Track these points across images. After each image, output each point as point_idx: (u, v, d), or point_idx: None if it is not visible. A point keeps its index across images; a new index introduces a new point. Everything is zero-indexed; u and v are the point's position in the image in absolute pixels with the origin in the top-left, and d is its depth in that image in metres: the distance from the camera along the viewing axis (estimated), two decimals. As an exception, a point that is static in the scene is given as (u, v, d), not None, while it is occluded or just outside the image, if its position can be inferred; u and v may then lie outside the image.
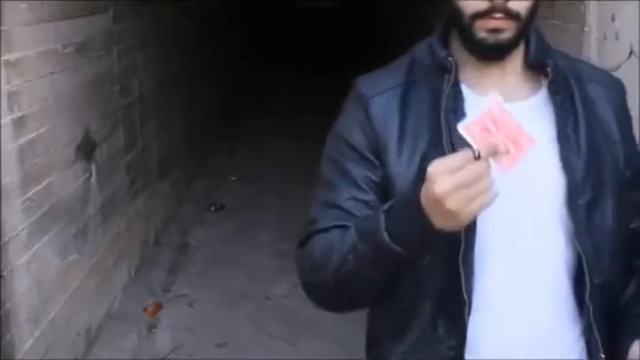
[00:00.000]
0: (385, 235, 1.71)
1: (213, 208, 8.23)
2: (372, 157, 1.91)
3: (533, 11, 1.84)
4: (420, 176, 1.70)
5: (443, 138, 1.83)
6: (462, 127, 1.64)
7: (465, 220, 1.63)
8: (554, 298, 1.93)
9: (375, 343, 2.08)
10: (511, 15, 1.79)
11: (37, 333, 4.22)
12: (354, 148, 1.93)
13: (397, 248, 1.71)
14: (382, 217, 1.74)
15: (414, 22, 11.17)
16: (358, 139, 1.93)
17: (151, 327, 5.65)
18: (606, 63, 3.86)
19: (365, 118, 1.93)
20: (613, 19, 3.77)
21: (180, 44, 8.40)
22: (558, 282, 1.92)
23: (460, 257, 1.83)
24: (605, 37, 3.88)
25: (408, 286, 1.89)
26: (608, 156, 1.93)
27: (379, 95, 1.95)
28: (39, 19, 4.37)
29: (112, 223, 5.67)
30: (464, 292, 1.85)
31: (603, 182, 1.91)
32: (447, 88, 1.86)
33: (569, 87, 1.93)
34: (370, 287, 1.86)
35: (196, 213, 8.04)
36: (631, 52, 3.57)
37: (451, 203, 1.59)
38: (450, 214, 1.61)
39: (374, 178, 1.90)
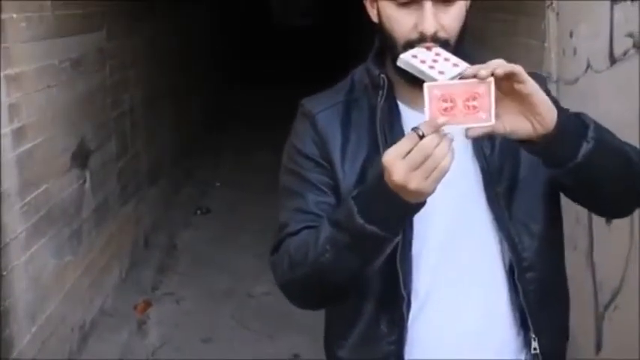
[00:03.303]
0: (359, 218, 1.69)
1: (199, 212, 8.19)
2: (325, 164, 1.93)
3: (461, 35, 1.84)
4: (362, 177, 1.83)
5: (380, 148, 1.83)
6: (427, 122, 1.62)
7: (429, 192, 1.62)
8: (489, 291, 1.93)
9: (328, 339, 2.11)
10: (440, 42, 1.78)
11: (34, 329, 4.20)
12: (309, 158, 1.95)
13: (373, 228, 1.69)
14: (352, 203, 1.72)
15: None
16: (311, 149, 1.95)
17: (141, 323, 5.62)
18: (565, 77, 3.88)
19: (313, 132, 1.96)
20: (571, 36, 3.79)
21: (169, 61, 8.39)
22: (492, 273, 1.93)
23: (398, 256, 1.85)
24: (564, 53, 3.90)
25: None
26: None
27: (323, 112, 1.98)
28: (37, 36, 4.36)
29: (104, 226, 5.65)
30: (402, 289, 1.87)
31: (520, 169, 1.90)
32: (380, 102, 1.89)
33: None
34: (348, 276, 1.82)
35: (183, 217, 8.01)
36: (588, 67, 3.59)
37: (412, 184, 1.59)
38: (414, 192, 1.61)
39: (330, 181, 1.92)
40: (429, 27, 1.77)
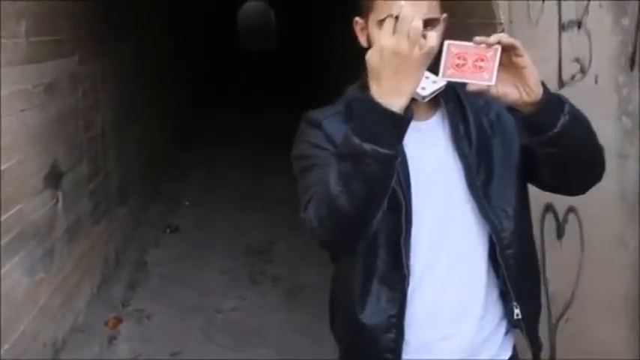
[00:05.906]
0: (355, 139, 1.80)
1: (168, 230, 8.16)
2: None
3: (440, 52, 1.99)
4: None
5: None
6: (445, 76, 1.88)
7: (414, 57, 1.76)
8: (474, 269, 2.16)
9: (340, 311, 2.30)
10: None
11: (6, 346, 4.17)
12: (322, 147, 2.10)
13: (369, 145, 1.79)
14: (349, 131, 1.83)
15: (345, 61, 11.23)
16: (322, 142, 2.11)
17: (112, 338, 5.59)
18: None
19: (323, 135, 2.13)
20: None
21: (138, 83, 8.38)
22: (476, 252, 2.16)
23: (402, 240, 2.07)
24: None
25: (359, 268, 2.14)
26: (498, 143, 2.15)
27: (328, 118, 2.17)
28: (11, 62, 4.34)
29: (76, 244, 5.62)
30: (405, 267, 2.09)
31: (494, 163, 2.14)
32: None
33: (460, 100, 2.17)
34: (362, 204, 1.87)
35: (153, 235, 7.98)
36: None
37: (401, 46, 1.75)
38: (401, 61, 1.76)
39: None
40: None
